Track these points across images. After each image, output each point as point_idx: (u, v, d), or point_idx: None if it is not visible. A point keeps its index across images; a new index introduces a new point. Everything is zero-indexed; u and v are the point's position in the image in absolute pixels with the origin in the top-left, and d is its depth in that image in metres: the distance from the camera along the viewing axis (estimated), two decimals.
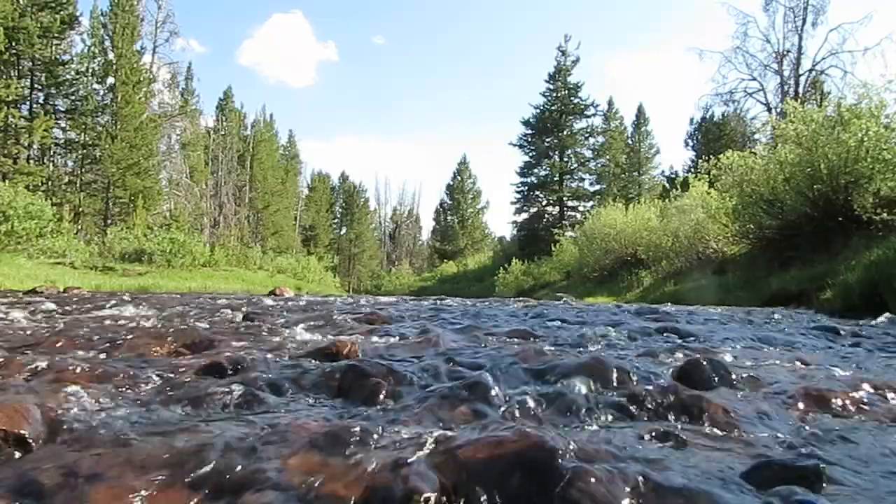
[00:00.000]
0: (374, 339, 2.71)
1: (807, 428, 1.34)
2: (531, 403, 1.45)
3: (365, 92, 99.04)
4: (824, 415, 1.46)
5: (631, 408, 1.43)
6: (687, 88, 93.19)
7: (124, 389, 1.53)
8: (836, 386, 1.66)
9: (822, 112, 10.72)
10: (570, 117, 39.03)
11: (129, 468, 0.94)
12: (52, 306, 4.59)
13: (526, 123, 40.01)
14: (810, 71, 27.80)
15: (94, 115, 25.46)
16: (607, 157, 39.88)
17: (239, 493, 0.88)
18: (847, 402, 1.53)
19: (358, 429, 1.15)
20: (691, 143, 34.18)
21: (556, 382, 1.63)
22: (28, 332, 2.75)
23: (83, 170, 25.93)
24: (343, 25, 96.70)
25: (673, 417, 1.39)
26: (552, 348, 2.44)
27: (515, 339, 2.79)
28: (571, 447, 1.01)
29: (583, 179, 40.42)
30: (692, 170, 24.13)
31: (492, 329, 3.31)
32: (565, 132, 38.95)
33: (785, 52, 28.41)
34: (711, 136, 30.65)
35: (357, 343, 2.35)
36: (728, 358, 2.19)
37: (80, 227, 24.20)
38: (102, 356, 2.08)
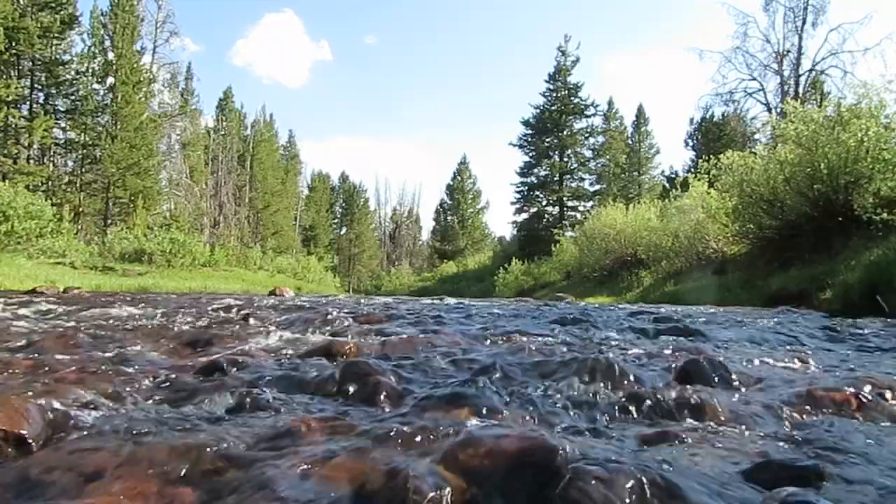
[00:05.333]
0: (374, 338, 2.70)
1: (807, 428, 1.34)
2: (531, 403, 1.45)
3: (364, 92, 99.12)
4: (824, 415, 1.46)
5: (631, 407, 1.43)
6: (687, 88, 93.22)
7: (124, 389, 1.53)
8: (836, 386, 1.66)
9: (822, 112, 10.71)
10: (570, 117, 39.01)
11: (129, 468, 0.94)
12: (52, 306, 4.59)
13: (526, 123, 40.01)
14: (810, 71, 27.80)
15: (94, 115, 25.48)
16: (607, 157, 39.87)
17: (239, 492, 0.88)
18: (847, 401, 1.53)
19: (358, 428, 1.16)
20: (691, 143, 34.17)
21: (555, 382, 1.63)
22: (28, 333, 2.75)
23: (83, 170, 25.94)
24: (337, 25, 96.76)
25: (673, 417, 1.39)
26: (552, 348, 2.44)
27: (515, 339, 2.79)
28: (572, 447, 1.00)
29: (583, 179, 40.44)
30: (692, 170, 24.10)
31: (491, 328, 3.31)
32: (565, 132, 38.93)
33: (785, 52, 28.40)
34: (711, 136, 30.63)
35: (356, 343, 2.35)
36: (728, 358, 2.19)
37: (80, 227, 24.20)
38: (102, 356, 2.08)
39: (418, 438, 1.10)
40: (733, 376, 1.75)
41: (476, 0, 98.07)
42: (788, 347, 2.78)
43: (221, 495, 0.87)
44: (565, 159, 39.49)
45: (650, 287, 16.30)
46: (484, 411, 1.36)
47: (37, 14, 22.86)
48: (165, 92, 32.95)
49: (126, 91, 25.28)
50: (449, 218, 53.20)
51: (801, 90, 27.45)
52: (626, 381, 1.64)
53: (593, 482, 0.88)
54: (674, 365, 1.94)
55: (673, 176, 33.59)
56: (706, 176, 14.00)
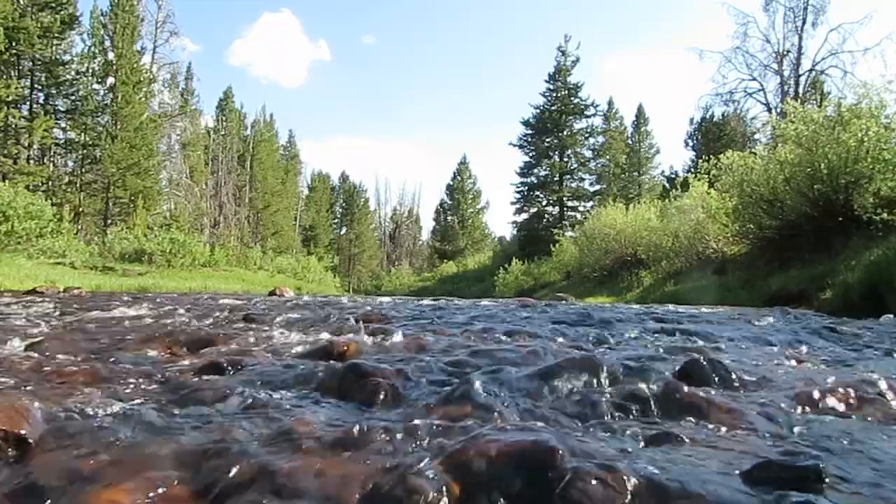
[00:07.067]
0: (374, 339, 2.70)
1: (807, 428, 1.34)
2: (531, 403, 1.45)
3: (363, 92, 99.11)
4: (824, 415, 1.46)
5: (631, 408, 1.43)
6: (687, 88, 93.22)
7: (124, 389, 1.53)
8: (836, 386, 1.66)
9: (822, 112, 10.71)
10: (570, 117, 39.02)
11: (129, 469, 0.94)
12: (52, 306, 4.59)
13: (526, 123, 40.02)
14: (810, 71, 27.81)
15: (94, 115, 25.48)
16: (607, 157, 39.88)
17: (239, 493, 0.88)
18: (847, 402, 1.53)
19: (358, 429, 1.15)
20: (691, 143, 34.19)
21: (555, 382, 1.63)
22: (28, 333, 2.75)
23: (83, 170, 25.94)
24: (335, 24, 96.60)
25: (673, 417, 1.39)
26: (552, 348, 2.44)
27: (515, 339, 2.79)
28: (571, 447, 1.00)
29: (583, 179, 40.45)
30: (692, 170, 24.11)
31: (491, 329, 3.31)
32: (565, 132, 38.95)
33: (785, 52, 28.41)
34: (711, 136, 30.64)
35: (356, 343, 2.35)
36: (728, 358, 2.19)
37: (80, 227, 24.20)
38: (102, 356, 2.08)
39: (418, 439, 1.10)
40: (733, 376, 1.75)
41: (476, 0, 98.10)
42: (788, 347, 2.78)
43: (221, 496, 0.87)
44: (565, 159, 39.50)
45: (650, 287, 16.30)
46: (484, 411, 1.36)
47: (37, 14, 22.86)
48: (165, 92, 33.00)
49: (126, 91, 25.28)
50: (449, 218, 53.20)
51: (801, 90, 27.45)
52: (625, 381, 1.64)
53: (593, 482, 0.88)
54: (674, 365, 1.94)
55: (673, 176, 33.61)
56: (706, 176, 14.00)
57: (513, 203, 41.21)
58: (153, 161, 27.20)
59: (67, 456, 1.00)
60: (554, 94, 39.07)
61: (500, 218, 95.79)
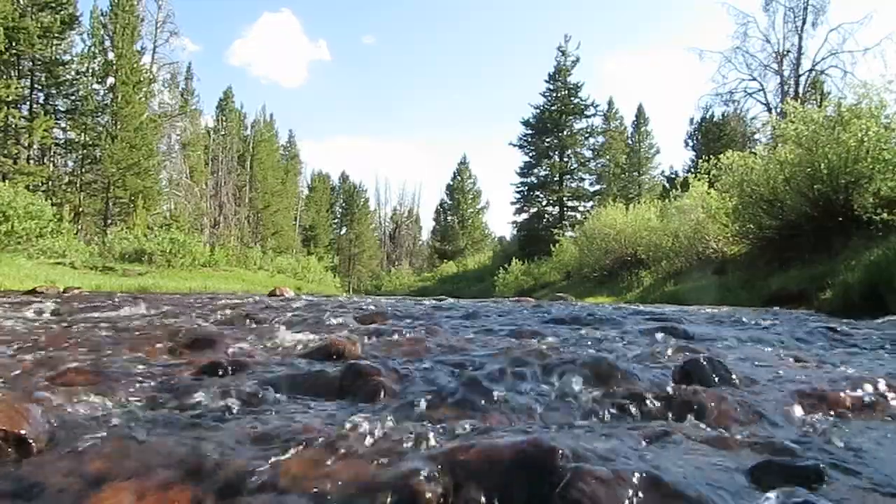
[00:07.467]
0: (374, 338, 2.70)
1: (807, 428, 1.34)
2: (531, 403, 1.45)
3: (363, 92, 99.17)
4: (824, 415, 1.46)
5: (631, 407, 1.43)
6: (687, 88, 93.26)
7: (124, 389, 1.53)
8: (835, 386, 1.66)
9: (822, 112, 10.71)
10: (570, 117, 38.99)
11: (129, 469, 0.94)
12: (52, 306, 4.59)
13: (526, 123, 40.00)
14: (810, 71, 27.81)
15: (94, 115, 25.47)
16: (607, 157, 39.88)
17: (239, 492, 0.88)
18: (847, 401, 1.53)
19: (358, 429, 1.15)
20: (691, 143, 34.19)
21: (555, 382, 1.63)
22: (28, 333, 2.75)
23: (83, 170, 25.94)
24: (334, 24, 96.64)
25: (673, 417, 1.39)
26: (552, 348, 2.44)
27: (515, 339, 2.79)
28: (571, 447, 1.00)
29: (583, 179, 40.43)
30: (692, 170, 24.10)
31: (492, 329, 3.31)
32: (565, 132, 38.93)
33: (785, 52, 28.41)
34: (711, 136, 30.63)
35: (357, 343, 2.35)
36: (728, 358, 2.19)
37: (80, 227, 24.19)
38: (102, 356, 2.08)
39: (418, 439, 1.10)
40: (733, 376, 1.75)
41: (476, 0, 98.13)
42: (788, 347, 2.78)
43: (221, 496, 0.87)
44: (565, 159, 39.49)
45: (650, 287, 16.30)
46: (483, 411, 1.36)
47: (37, 14, 22.85)
48: (165, 92, 32.99)
49: (126, 91, 25.27)
50: (449, 218, 53.21)
51: (801, 90, 27.45)
52: (625, 381, 1.64)
53: (593, 482, 0.88)
54: (674, 365, 1.94)
55: (673, 176, 33.62)
56: (706, 176, 14.00)
57: (513, 203, 41.23)
58: (153, 161, 27.19)
59: (67, 456, 1.00)
60: (554, 94, 39.06)
61: (500, 218, 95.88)
